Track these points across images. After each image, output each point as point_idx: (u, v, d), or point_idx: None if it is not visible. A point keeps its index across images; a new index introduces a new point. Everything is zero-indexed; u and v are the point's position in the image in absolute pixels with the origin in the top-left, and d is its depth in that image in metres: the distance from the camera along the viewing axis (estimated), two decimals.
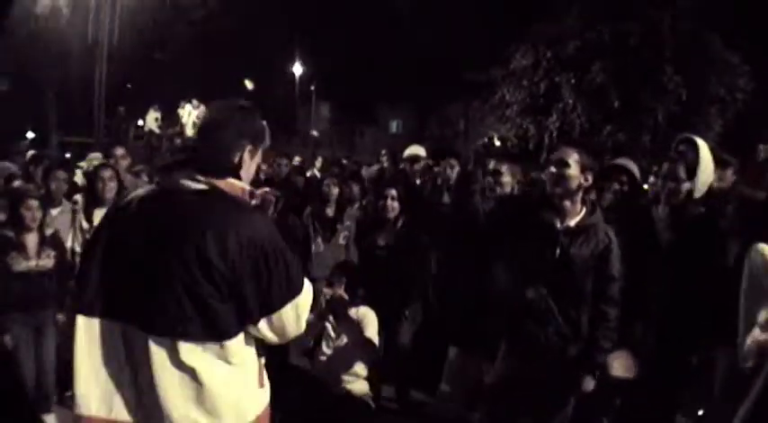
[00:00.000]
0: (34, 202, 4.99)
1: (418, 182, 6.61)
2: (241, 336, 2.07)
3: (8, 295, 4.77)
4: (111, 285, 2.07)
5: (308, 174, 9.82)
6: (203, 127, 2.21)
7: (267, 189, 2.38)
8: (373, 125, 40.08)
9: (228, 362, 2.04)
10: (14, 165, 8.28)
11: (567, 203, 3.49)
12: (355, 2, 30.94)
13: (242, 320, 2.04)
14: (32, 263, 4.89)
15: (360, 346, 4.28)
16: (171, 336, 1.97)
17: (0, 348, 4.76)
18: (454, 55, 24.76)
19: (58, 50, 13.98)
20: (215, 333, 1.99)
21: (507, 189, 4.75)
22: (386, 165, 8.92)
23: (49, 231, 5.08)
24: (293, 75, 36.11)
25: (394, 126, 39.93)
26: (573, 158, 3.44)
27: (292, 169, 9.27)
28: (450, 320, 4.78)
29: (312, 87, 37.65)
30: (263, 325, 2.08)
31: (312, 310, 2.31)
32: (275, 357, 2.58)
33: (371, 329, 4.33)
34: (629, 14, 13.04)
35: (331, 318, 4.35)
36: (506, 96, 14.96)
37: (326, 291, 4.42)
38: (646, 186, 5.04)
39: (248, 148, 2.16)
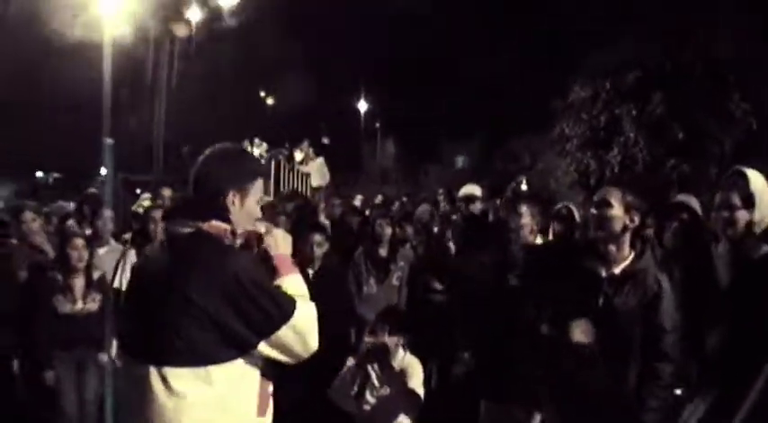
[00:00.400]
0: (80, 242, 5.11)
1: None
2: (235, 363, 2.24)
3: (53, 335, 4.91)
4: (130, 326, 2.39)
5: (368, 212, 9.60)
6: (193, 177, 2.42)
7: (251, 228, 2.49)
8: (438, 162, 39.89)
9: (218, 386, 2.20)
10: (72, 204, 8.48)
11: (612, 248, 3.22)
12: (417, 40, 31.10)
13: (239, 347, 2.23)
14: (78, 306, 5.01)
15: (403, 396, 4.18)
16: (159, 364, 2.19)
17: (43, 385, 4.88)
18: (517, 88, 24.47)
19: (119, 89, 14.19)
20: (196, 359, 2.17)
21: (527, 231, 4.38)
22: (442, 204, 8.68)
23: (96, 274, 5.16)
24: (358, 111, 36.36)
25: (459, 162, 39.57)
26: (616, 198, 3.20)
27: (348, 209, 9.11)
28: (481, 371, 4.44)
29: (377, 124, 37.78)
30: (264, 347, 2.26)
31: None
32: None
33: (416, 380, 4.23)
34: (688, 41, 12.48)
35: (376, 366, 4.24)
36: (566, 130, 14.48)
37: (368, 339, 4.33)
38: None
39: (232, 193, 2.36)
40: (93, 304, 5.07)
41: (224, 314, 2.17)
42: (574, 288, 3.28)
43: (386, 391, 4.24)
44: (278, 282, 2.43)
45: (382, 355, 4.28)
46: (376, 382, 4.25)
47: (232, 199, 2.37)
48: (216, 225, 2.33)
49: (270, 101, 34.48)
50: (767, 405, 2.37)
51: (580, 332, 3.19)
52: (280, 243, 2.55)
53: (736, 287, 3.41)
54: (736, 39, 11.99)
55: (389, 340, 4.29)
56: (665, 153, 12.48)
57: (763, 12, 11.69)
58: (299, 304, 2.31)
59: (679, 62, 12.39)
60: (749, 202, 3.43)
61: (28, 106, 20.48)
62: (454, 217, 6.57)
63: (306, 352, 2.34)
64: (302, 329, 2.29)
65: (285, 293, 2.34)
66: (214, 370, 2.19)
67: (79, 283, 5.05)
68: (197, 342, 2.17)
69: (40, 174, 28.02)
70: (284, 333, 2.25)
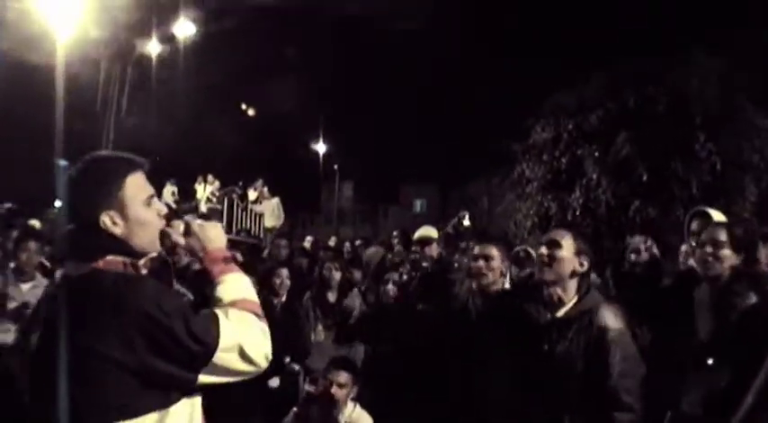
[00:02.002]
0: None
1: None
2: (171, 410, 1.92)
3: None
4: (30, 389, 2.02)
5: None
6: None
7: (153, 254, 2.12)
8: (396, 204, 39.90)
9: None
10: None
11: (558, 290, 3.00)
12: (375, 83, 31.21)
13: (177, 387, 1.93)
14: None
15: None
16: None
17: None
18: (475, 130, 24.56)
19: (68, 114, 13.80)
20: (121, 412, 1.84)
21: (497, 275, 4.04)
22: (396, 247, 8.30)
23: (13, 304, 4.91)
24: (317, 153, 36.23)
25: (418, 205, 39.60)
26: (566, 240, 3.02)
27: (296, 251, 8.76)
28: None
29: (335, 166, 37.67)
30: (205, 378, 1.94)
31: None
32: None
33: None
34: (653, 81, 12.34)
35: (317, 418, 3.98)
36: (526, 172, 14.17)
37: (310, 389, 4.11)
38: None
39: (104, 213, 2.00)
40: (8, 335, 4.80)
41: (143, 357, 1.84)
42: (520, 336, 3.16)
43: None
44: (215, 288, 2.12)
45: (327, 407, 3.99)
46: None
47: (110, 222, 2.01)
48: (111, 260, 1.98)
49: (248, 114, 34.09)
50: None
51: (612, 316, 3.00)
52: (208, 237, 2.20)
53: (720, 340, 3.17)
54: (701, 78, 11.91)
55: (338, 392, 4.00)
56: (629, 195, 12.19)
57: (727, 52, 11.73)
58: (223, 325, 1.96)
59: (643, 100, 12.19)
60: (736, 244, 3.23)
61: None
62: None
63: (254, 366, 2.01)
64: (237, 347, 1.96)
65: (205, 316, 1.97)
66: (148, 420, 1.87)
67: None
68: (115, 393, 1.84)
69: None
70: (219, 358, 1.93)
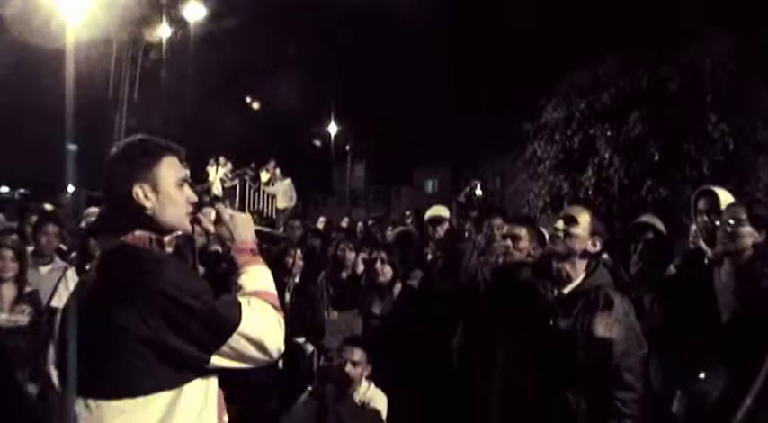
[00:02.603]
0: (8, 253, 4.79)
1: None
2: (187, 390, 1.98)
3: None
4: (60, 359, 2.06)
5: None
6: (101, 186, 2.15)
7: (178, 233, 2.18)
8: (409, 185, 39.80)
9: (168, 417, 1.93)
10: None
11: (567, 267, 3.03)
12: (388, 61, 31.01)
13: (191, 367, 1.98)
14: (3, 316, 4.70)
15: None
16: (93, 395, 1.92)
17: None
18: (487, 110, 24.40)
19: (78, 106, 13.83)
20: (137, 388, 1.90)
21: (524, 255, 4.17)
22: (411, 227, 8.39)
23: (29, 288, 4.87)
24: (328, 134, 36.18)
25: (429, 186, 39.51)
26: (583, 218, 3.02)
27: (309, 232, 8.81)
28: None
29: (347, 147, 37.62)
30: (217, 360, 2.00)
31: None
32: None
33: (378, 415, 4.03)
34: (666, 60, 12.21)
35: (332, 396, 4.00)
36: (538, 152, 14.11)
37: (323, 367, 4.23)
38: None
39: (137, 187, 2.07)
40: (23, 317, 4.79)
41: (160, 334, 1.89)
42: (526, 311, 3.18)
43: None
44: (238, 276, 2.19)
45: (341, 385, 4.03)
46: (333, 414, 3.97)
47: (142, 194, 2.08)
48: (139, 235, 2.07)
49: (255, 104, 34.09)
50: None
51: (604, 326, 2.98)
52: (237, 228, 2.28)
53: (743, 322, 3.17)
54: (714, 58, 11.80)
55: (352, 370, 4.04)
56: (642, 174, 12.13)
57: (741, 31, 11.58)
58: (245, 310, 2.03)
59: (657, 80, 12.09)
60: (757, 222, 3.26)
61: None
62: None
63: (267, 356, 2.08)
64: (256, 335, 2.02)
65: (227, 300, 2.05)
66: (160, 399, 1.93)
67: (8, 294, 4.77)
68: (133, 368, 1.90)
69: (5, 189, 27.34)
70: (236, 341, 1.99)
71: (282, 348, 2.13)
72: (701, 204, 4.07)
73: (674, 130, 11.78)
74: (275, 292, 2.22)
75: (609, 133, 12.62)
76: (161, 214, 2.11)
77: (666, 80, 12.07)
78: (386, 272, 4.83)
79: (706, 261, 3.79)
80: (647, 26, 12.84)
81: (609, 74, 13.12)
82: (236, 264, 2.23)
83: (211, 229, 2.29)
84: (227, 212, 2.31)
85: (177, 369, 1.97)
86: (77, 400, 1.95)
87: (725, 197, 3.88)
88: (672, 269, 4.27)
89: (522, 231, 4.20)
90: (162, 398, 1.94)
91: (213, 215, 2.31)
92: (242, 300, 2.07)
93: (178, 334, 1.92)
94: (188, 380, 2.00)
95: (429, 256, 6.14)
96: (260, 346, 2.04)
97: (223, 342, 1.97)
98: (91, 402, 1.92)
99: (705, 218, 3.98)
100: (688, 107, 11.75)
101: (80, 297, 2.06)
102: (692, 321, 3.50)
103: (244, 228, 2.29)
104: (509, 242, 4.15)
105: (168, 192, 2.12)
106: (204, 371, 2.04)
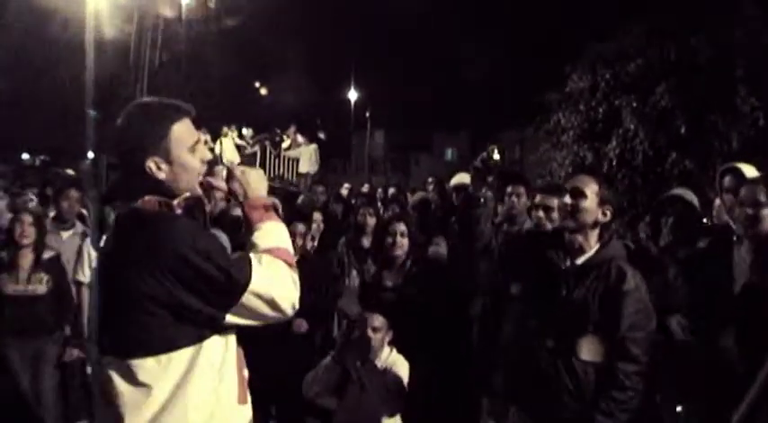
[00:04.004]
0: (27, 218, 4.77)
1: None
2: (205, 346, 2.02)
3: (1, 319, 4.62)
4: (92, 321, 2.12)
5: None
6: (113, 151, 2.17)
7: (187, 194, 2.16)
8: (428, 152, 39.65)
9: (190, 375, 1.98)
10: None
11: (579, 238, 3.01)
12: (408, 30, 30.69)
13: (205, 324, 2.01)
14: (21, 286, 4.68)
15: (385, 396, 3.92)
16: (119, 355, 1.98)
17: None
18: (509, 80, 24.15)
19: (98, 73, 13.83)
20: (156, 346, 1.95)
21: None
22: (431, 194, 8.33)
23: (47, 254, 4.83)
24: (348, 101, 36.00)
25: (449, 154, 39.35)
26: (591, 189, 3.01)
27: (332, 196, 8.79)
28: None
29: (367, 114, 37.42)
30: (231, 318, 2.02)
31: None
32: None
33: (400, 380, 4.00)
34: (696, 31, 11.95)
35: (357, 362, 3.92)
36: (561, 121, 13.98)
37: (348, 333, 4.07)
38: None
39: (150, 156, 2.06)
40: (40, 286, 4.74)
41: (174, 293, 1.93)
42: (538, 281, 3.19)
43: (366, 388, 3.92)
44: (251, 234, 2.19)
45: (363, 351, 3.97)
46: (356, 379, 3.91)
47: (155, 167, 2.07)
48: (148, 200, 2.08)
49: (263, 91, 34.05)
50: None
51: (588, 351, 2.99)
52: (250, 184, 2.24)
53: (755, 294, 3.16)
54: (747, 29, 11.51)
55: (373, 336, 4.00)
56: (667, 147, 11.96)
57: None
58: (256, 269, 2.03)
59: (685, 50, 11.85)
60: None
61: (12, 89, 19.92)
62: None
63: (281, 313, 2.09)
64: (267, 292, 2.03)
65: (238, 258, 2.06)
66: (181, 355, 1.98)
67: (26, 262, 4.74)
68: (152, 328, 1.95)
69: (26, 156, 27.53)
70: (247, 300, 2.01)
71: (297, 305, 2.13)
72: (727, 182, 4.01)
73: (702, 103, 11.59)
74: (290, 248, 2.21)
75: (634, 104, 12.45)
76: (175, 181, 2.11)
77: (696, 51, 11.86)
78: (403, 244, 4.76)
79: (735, 238, 3.73)
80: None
81: (636, 44, 12.93)
82: (250, 221, 2.21)
83: (223, 186, 2.25)
84: (239, 169, 2.27)
85: (195, 326, 2.00)
86: (107, 362, 2.00)
87: (751, 174, 3.83)
88: (701, 244, 4.20)
89: (555, 202, 4.08)
90: (182, 354, 1.98)
91: (224, 172, 2.28)
92: (253, 258, 2.06)
93: (191, 292, 1.94)
94: (206, 337, 2.03)
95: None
96: (272, 304, 2.05)
97: (235, 301, 1.99)
98: (119, 362, 1.97)
99: (731, 196, 3.91)
100: (717, 80, 11.53)
101: (100, 266, 2.13)
102: (710, 297, 3.50)
103: (257, 183, 2.25)
104: (541, 213, 4.08)
105: (181, 159, 2.11)
106: (221, 327, 2.06)
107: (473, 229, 3.98)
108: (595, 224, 3.09)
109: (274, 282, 2.06)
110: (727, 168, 4.10)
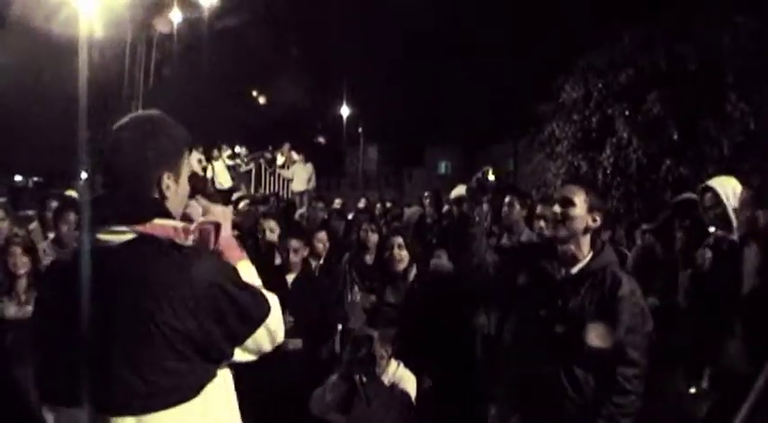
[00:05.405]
0: (17, 249, 4.73)
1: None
2: (215, 381, 1.88)
3: (3, 344, 4.55)
4: (56, 368, 1.84)
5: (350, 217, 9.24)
6: (111, 164, 1.91)
7: (203, 219, 2.07)
8: (421, 167, 39.68)
9: (210, 412, 1.84)
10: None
11: (571, 248, 3.05)
12: (400, 43, 30.84)
13: (216, 361, 1.89)
14: (12, 309, 4.64)
15: (393, 411, 3.93)
16: (133, 413, 1.73)
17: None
18: (501, 92, 24.24)
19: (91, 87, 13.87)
20: (185, 392, 1.78)
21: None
22: (427, 208, 8.36)
23: None
24: (341, 117, 36.10)
25: (442, 167, 39.41)
26: (579, 197, 3.05)
27: (332, 213, 8.78)
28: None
29: (359, 129, 37.49)
30: (238, 355, 1.93)
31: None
32: None
33: (408, 395, 4.04)
34: (685, 38, 12.13)
35: (363, 378, 3.91)
36: (555, 132, 14.11)
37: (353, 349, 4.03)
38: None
39: (166, 175, 1.91)
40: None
41: (213, 329, 1.81)
42: (534, 292, 3.21)
43: (373, 404, 3.92)
44: None
45: (370, 367, 3.98)
46: (362, 395, 3.91)
47: (167, 183, 1.92)
48: (161, 224, 1.86)
49: (261, 100, 34.14)
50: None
51: (596, 336, 2.98)
52: (227, 221, 2.15)
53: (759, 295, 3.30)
54: (735, 36, 11.65)
55: (378, 351, 4.03)
56: (660, 154, 12.06)
57: (760, 8, 11.41)
58: (271, 301, 2.00)
59: (675, 58, 11.99)
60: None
61: (5, 110, 19.89)
62: None
63: (272, 347, 2.03)
64: (274, 326, 1.99)
65: (256, 291, 1.98)
66: (202, 394, 1.84)
67: (21, 285, 4.70)
68: (183, 374, 1.78)
69: (19, 178, 27.45)
70: (260, 334, 1.94)
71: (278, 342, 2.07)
72: (707, 201, 4.07)
73: (694, 110, 11.73)
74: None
75: (627, 113, 12.61)
76: (171, 204, 1.95)
77: (685, 59, 12.00)
78: (403, 257, 4.79)
79: (735, 238, 3.80)
80: (665, 4, 12.67)
81: (626, 53, 13.10)
82: (230, 258, 2.07)
83: (202, 220, 2.10)
84: (210, 207, 2.15)
85: (209, 361, 1.86)
86: (117, 420, 1.76)
87: (727, 188, 3.92)
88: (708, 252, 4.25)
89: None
90: (204, 392, 1.85)
91: (200, 208, 2.14)
92: (264, 291, 2.01)
93: (219, 325, 1.82)
94: (215, 375, 1.89)
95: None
96: (272, 341, 2.00)
97: (251, 333, 1.91)
98: (142, 418, 1.75)
99: (711, 213, 4.03)
100: (707, 86, 11.68)
101: (96, 293, 1.78)
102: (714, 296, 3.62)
103: (227, 220, 2.14)
104: (542, 223, 4.11)
105: (184, 187, 2.02)
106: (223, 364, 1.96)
107: (469, 247, 4.02)
108: (586, 230, 3.12)
109: (279, 316, 2.01)
110: (704, 188, 4.18)
